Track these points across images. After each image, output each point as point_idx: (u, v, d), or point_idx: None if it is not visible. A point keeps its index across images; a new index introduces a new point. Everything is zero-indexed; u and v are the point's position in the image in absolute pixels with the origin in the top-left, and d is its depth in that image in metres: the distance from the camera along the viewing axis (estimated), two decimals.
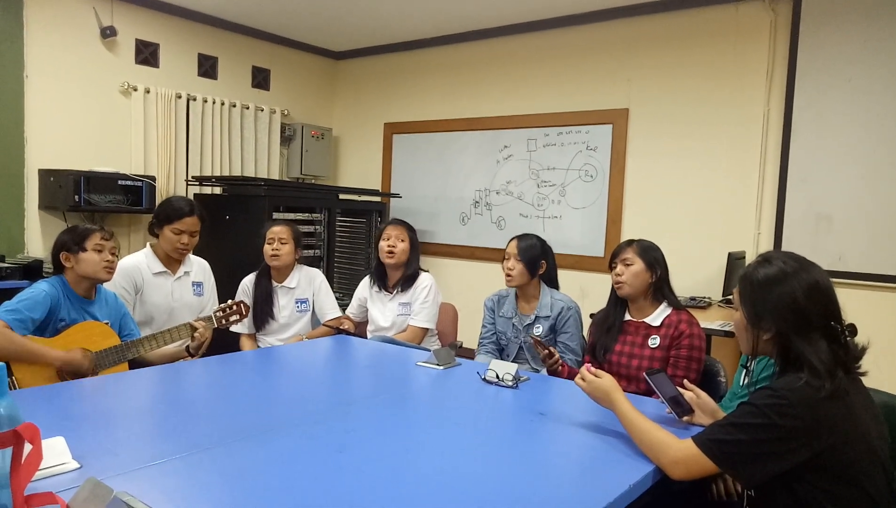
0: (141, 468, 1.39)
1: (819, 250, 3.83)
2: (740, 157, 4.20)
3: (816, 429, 1.34)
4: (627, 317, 2.50)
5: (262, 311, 3.25)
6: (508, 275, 2.84)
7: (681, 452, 1.46)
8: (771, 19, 4.07)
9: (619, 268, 2.45)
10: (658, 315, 2.43)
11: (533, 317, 2.85)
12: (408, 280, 3.20)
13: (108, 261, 2.48)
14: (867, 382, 1.50)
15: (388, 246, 3.16)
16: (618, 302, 2.52)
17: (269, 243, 3.22)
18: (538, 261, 2.85)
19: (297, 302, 3.29)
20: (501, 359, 2.66)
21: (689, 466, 1.45)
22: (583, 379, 1.77)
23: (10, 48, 4.17)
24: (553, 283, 2.94)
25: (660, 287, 2.45)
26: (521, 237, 2.88)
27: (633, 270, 2.42)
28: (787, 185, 4.01)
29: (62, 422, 1.65)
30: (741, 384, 2.08)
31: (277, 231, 3.23)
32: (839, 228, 3.87)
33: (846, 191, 3.84)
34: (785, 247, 3.97)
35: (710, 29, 4.29)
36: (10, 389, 2.09)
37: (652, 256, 2.43)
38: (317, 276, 3.39)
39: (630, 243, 2.49)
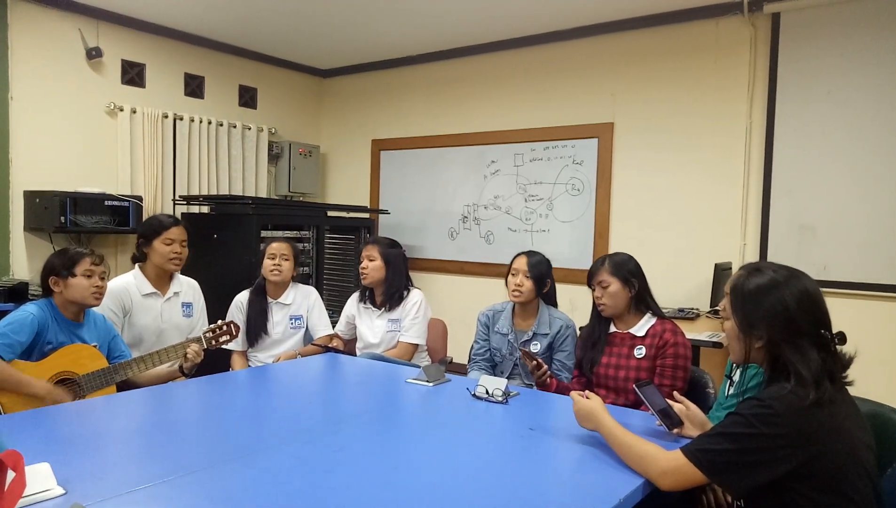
0: (127, 492, 1.37)
1: (804, 261, 3.87)
2: (724, 169, 4.24)
3: (802, 438, 1.35)
4: (613, 329, 2.51)
5: (256, 326, 3.24)
6: (517, 292, 2.78)
7: (669, 463, 1.47)
8: (751, 34, 4.14)
9: (598, 291, 2.46)
10: (642, 326, 2.44)
11: (531, 334, 2.83)
12: (393, 297, 3.19)
13: (97, 286, 2.47)
14: (853, 391, 1.51)
15: (361, 267, 3.21)
16: (601, 317, 2.53)
17: (271, 259, 3.22)
18: (545, 278, 2.83)
19: (291, 319, 3.29)
20: (494, 376, 2.65)
21: (678, 476, 1.45)
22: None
23: None
24: (552, 301, 2.92)
25: (641, 298, 2.45)
26: (529, 254, 2.84)
27: (611, 291, 2.42)
28: (771, 196, 4.06)
29: (48, 447, 1.63)
30: (726, 393, 2.09)
31: (279, 247, 3.24)
32: (823, 238, 3.91)
33: (829, 202, 3.89)
34: (770, 258, 4.01)
35: (691, 44, 4.35)
36: None
37: (626, 271, 2.43)
38: (311, 293, 3.39)
39: (603, 261, 2.48)
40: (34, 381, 2.27)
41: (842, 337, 1.48)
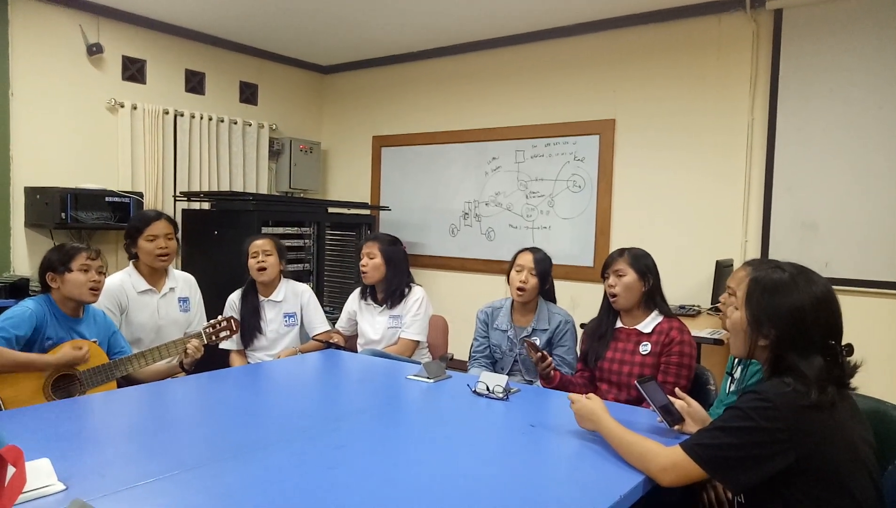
0: (128, 488, 1.37)
1: (805, 258, 3.83)
2: (726, 165, 4.23)
3: (800, 433, 1.35)
4: (619, 324, 2.51)
5: (250, 326, 3.23)
6: (521, 289, 2.77)
7: (669, 459, 1.47)
8: (753, 30, 4.13)
9: (612, 279, 2.45)
10: (649, 323, 2.44)
11: (530, 330, 2.82)
12: (394, 294, 3.19)
13: (94, 281, 2.46)
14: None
15: (361, 265, 3.20)
16: (610, 310, 2.52)
17: (254, 257, 3.21)
18: (548, 276, 2.82)
19: (284, 316, 3.28)
20: (495, 372, 2.65)
21: (678, 472, 1.45)
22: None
23: None
24: (551, 298, 2.91)
25: (652, 296, 2.45)
26: (533, 250, 2.82)
27: (626, 281, 2.42)
28: (772, 193, 4.05)
29: (48, 443, 1.63)
30: (727, 390, 2.09)
31: (260, 244, 3.23)
32: (825, 235, 3.91)
33: (831, 199, 3.88)
34: (772, 255, 4.00)
35: (693, 40, 4.34)
36: None
37: (644, 264, 2.43)
38: (305, 291, 3.37)
39: (621, 252, 2.48)
40: (42, 357, 2.29)
41: (850, 349, 1.46)
